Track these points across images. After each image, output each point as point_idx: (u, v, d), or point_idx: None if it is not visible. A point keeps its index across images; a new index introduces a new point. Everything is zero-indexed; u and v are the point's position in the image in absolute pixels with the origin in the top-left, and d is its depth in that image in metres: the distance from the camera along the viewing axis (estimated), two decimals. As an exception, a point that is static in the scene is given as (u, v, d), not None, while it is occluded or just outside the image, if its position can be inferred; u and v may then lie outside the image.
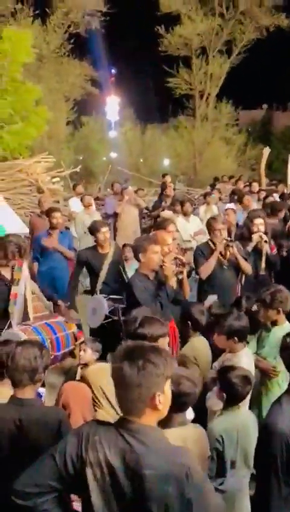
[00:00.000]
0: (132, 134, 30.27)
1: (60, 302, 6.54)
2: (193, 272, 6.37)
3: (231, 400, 3.41)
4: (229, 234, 7.28)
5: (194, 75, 27.74)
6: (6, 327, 4.51)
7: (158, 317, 3.61)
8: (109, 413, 3.66)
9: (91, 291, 6.27)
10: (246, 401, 3.74)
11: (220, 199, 12.79)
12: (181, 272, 5.25)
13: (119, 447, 1.94)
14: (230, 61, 27.78)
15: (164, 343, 3.35)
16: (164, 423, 2.49)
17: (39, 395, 3.08)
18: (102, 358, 4.67)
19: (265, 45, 27.77)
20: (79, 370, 4.61)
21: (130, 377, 1.94)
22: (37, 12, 23.74)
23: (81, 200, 10.63)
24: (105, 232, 6.07)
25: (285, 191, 13.41)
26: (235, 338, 3.98)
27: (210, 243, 6.11)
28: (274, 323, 4.46)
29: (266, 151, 17.08)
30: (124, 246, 7.73)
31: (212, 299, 5.58)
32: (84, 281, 7.61)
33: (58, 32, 24.69)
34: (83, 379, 3.34)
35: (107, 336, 4.99)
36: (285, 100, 45.46)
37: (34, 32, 17.43)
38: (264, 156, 16.86)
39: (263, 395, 4.42)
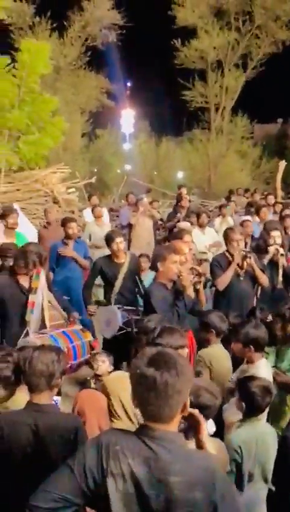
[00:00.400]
0: (146, 146, 30.43)
1: (74, 314, 6.50)
2: (209, 283, 6.31)
3: (251, 411, 3.36)
4: (245, 246, 7.23)
5: (210, 89, 27.91)
6: (23, 335, 4.50)
7: (178, 328, 3.57)
8: (126, 424, 3.61)
9: (106, 302, 6.23)
10: (265, 414, 3.68)
11: (235, 212, 12.76)
12: (199, 282, 5.22)
13: (143, 456, 1.88)
14: (246, 74, 27.90)
15: (183, 354, 3.31)
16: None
17: (55, 403, 3.04)
18: (115, 369, 4.64)
19: (281, 59, 27.73)
20: (92, 381, 4.59)
21: (172, 383, 1.89)
22: (54, 25, 24.11)
23: (92, 211, 10.69)
24: (119, 242, 6.03)
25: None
26: (251, 347, 3.93)
27: (227, 253, 6.04)
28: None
29: (282, 164, 17.07)
30: (140, 256, 7.71)
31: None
32: (96, 292, 7.58)
33: (75, 45, 25.07)
34: (102, 388, 3.30)
35: (120, 347, 4.97)
36: (301, 115, 45.36)
37: (52, 45, 17.59)
38: (280, 169, 16.84)
39: (281, 409, 4.35)
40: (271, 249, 6.30)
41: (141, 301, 5.91)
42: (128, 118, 34.83)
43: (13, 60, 14.14)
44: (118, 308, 5.62)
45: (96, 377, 4.56)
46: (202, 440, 2.12)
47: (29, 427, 2.71)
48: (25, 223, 8.64)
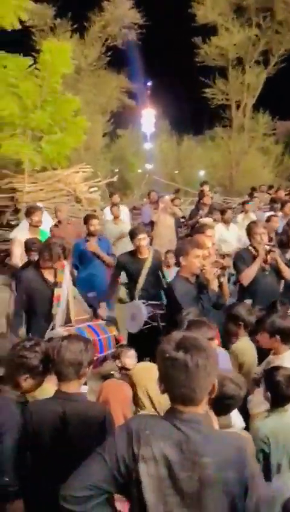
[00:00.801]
0: (167, 145, 30.42)
1: (100, 310, 6.52)
2: (232, 278, 6.28)
3: (276, 401, 3.35)
4: (270, 240, 7.18)
5: (231, 86, 27.76)
6: (50, 329, 4.56)
7: (206, 320, 3.57)
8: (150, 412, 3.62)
9: (130, 297, 6.26)
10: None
11: (258, 208, 12.69)
12: (222, 275, 5.21)
13: (175, 439, 1.89)
14: (267, 71, 27.66)
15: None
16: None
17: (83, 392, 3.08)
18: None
19: (303, 55, 27.47)
20: (117, 375, 4.62)
21: (203, 365, 1.91)
22: (75, 26, 24.26)
23: (110, 209, 10.76)
24: (141, 238, 6.03)
25: None
26: (278, 337, 3.92)
27: (251, 248, 6.00)
28: None
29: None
30: (167, 252, 7.72)
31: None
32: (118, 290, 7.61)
33: (96, 46, 25.20)
34: (129, 379, 3.33)
35: (145, 341, 4.99)
36: None
37: (72, 45, 17.69)
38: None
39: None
40: (294, 244, 6.26)
41: (164, 297, 5.92)
42: (149, 117, 34.76)
43: (35, 61, 14.26)
44: (143, 303, 5.65)
45: (121, 369, 4.60)
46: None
47: (58, 415, 2.74)
48: (49, 222, 8.71)
